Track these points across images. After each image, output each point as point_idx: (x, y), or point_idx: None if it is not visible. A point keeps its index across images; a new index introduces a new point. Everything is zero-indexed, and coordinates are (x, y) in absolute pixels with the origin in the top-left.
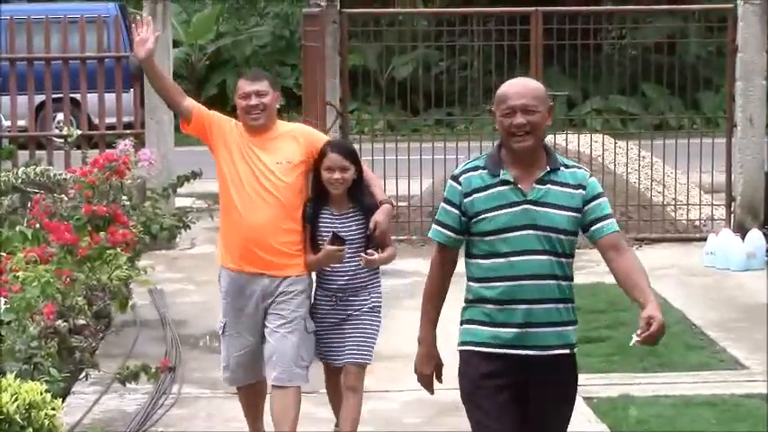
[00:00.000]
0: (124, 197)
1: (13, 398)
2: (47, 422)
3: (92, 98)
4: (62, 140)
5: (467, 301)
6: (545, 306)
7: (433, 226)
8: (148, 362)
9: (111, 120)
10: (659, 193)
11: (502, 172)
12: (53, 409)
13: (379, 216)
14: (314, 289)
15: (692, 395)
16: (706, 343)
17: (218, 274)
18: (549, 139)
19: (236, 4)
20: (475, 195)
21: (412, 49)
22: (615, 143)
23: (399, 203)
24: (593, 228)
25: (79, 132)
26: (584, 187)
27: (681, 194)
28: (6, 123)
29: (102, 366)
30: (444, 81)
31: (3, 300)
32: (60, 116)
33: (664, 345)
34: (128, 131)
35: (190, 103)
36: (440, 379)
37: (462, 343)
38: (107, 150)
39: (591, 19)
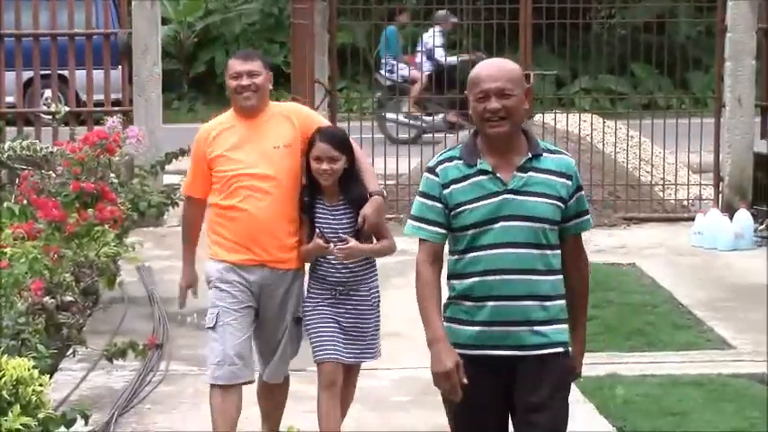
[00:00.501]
0: (112, 174)
1: (1, 374)
2: (34, 398)
3: (80, 75)
4: (50, 117)
5: (448, 298)
6: (529, 303)
7: (411, 222)
8: (136, 339)
9: (99, 96)
10: (647, 172)
11: (479, 161)
12: (41, 385)
13: (368, 209)
14: (306, 280)
15: (680, 374)
16: (693, 322)
17: (204, 269)
18: (537, 118)
19: None
20: (453, 187)
21: (402, 27)
22: (604, 123)
23: (387, 182)
24: (571, 222)
25: (67, 109)
26: (570, 177)
27: (669, 174)
28: None
29: (90, 343)
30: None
31: None
32: (48, 93)
33: (651, 324)
34: (116, 108)
35: (204, 203)
36: (462, 380)
37: None
38: (96, 127)
39: None
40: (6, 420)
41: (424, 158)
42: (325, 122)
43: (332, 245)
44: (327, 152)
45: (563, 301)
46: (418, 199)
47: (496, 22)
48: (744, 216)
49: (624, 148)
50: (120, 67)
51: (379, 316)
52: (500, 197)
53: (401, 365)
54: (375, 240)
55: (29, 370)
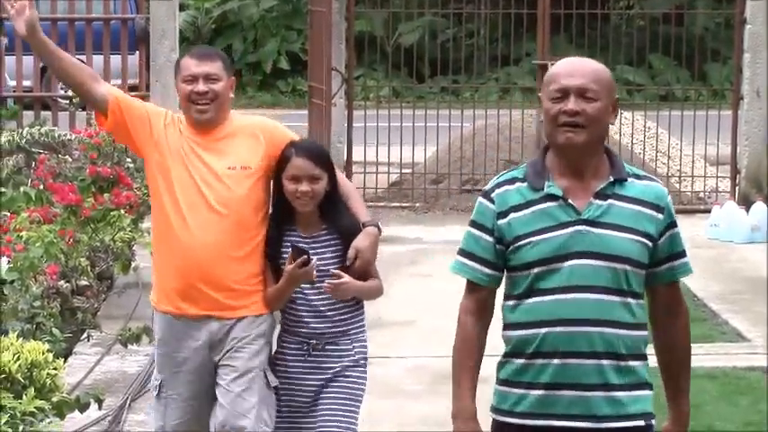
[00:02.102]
0: (128, 159)
1: (15, 357)
2: (48, 381)
3: (97, 60)
4: (67, 102)
5: (504, 354)
6: (606, 362)
7: (457, 257)
8: (150, 324)
9: (116, 81)
10: (664, 164)
11: (547, 184)
12: (55, 368)
13: (362, 242)
14: (277, 333)
15: (694, 367)
16: (708, 315)
17: (151, 317)
18: None
19: None
20: (512, 215)
21: (418, 15)
22: (621, 114)
23: (403, 170)
24: (662, 266)
25: None
26: (661, 209)
27: (686, 166)
28: (12, 84)
29: (104, 327)
30: (451, 49)
31: (6, 259)
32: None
33: None
34: (133, 93)
35: (106, 90)
36: None
37: (496, 410)
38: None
39: None
40: (21, 403)
41: (440, 147)
42: (292, 135)
43: (315, 259)
44: (307, 170)
45: (646, 363)
46: (468, 229)
47: (515, 12)
48: (760, 209)
49: (641, 140)
50: (137, 52)
51: (364, 383)
52: (572, 228)
53: (414, 354)
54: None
55: (43, 353)
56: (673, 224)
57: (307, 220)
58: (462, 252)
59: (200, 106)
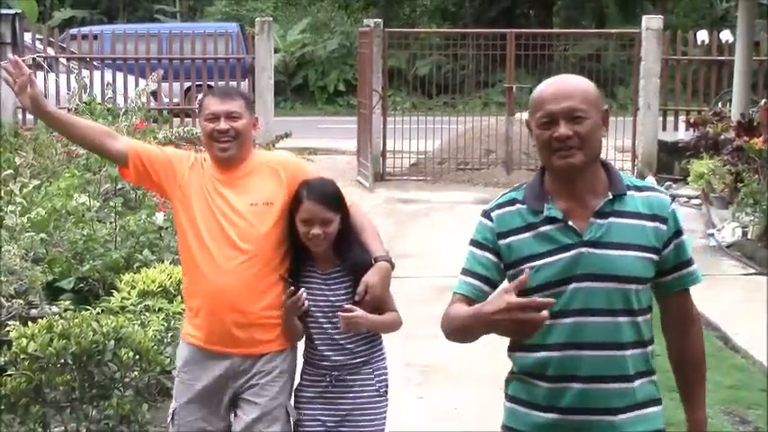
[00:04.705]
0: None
1: (168, 275)
2: None
3: (220, 85)
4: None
5: (511, 372)
6: (611, 385)
7: (460, 278)
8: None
9: None
10: None
11: (546, 206)
12: None
13: (373, 277)
14: (300, 365)
15: None
16: None
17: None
18: (517, 117)
19: (315, 25)
20: (512, 238)
21: (429, 55)
22: None
23: (419, 156)
24: (669, 276)
25: None
26: (664, 220)
27: (603, 154)
28: (166, 100)
29: None
30: (450, 77)
31: (162, 214)
32: (200, 96)
33: None
34: None
35: (125, 145)
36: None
37: (506, 428)
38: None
39: (546, 37)
40: (171, 306)
41: (443, 140)
42: (314, 173)
43: (302, 290)
44: (318, 213)
45: (654, 377)
46: (468, 249)
47: (492, 53)
48: (651, 181)
49: None
50: (246, 80)
51: (385, 411)
52: (574, 251)
53: (425, 275)
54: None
55: None
56: (678, 233)
57: (321, 257)
58: (465, 272)
59: (222, 144)
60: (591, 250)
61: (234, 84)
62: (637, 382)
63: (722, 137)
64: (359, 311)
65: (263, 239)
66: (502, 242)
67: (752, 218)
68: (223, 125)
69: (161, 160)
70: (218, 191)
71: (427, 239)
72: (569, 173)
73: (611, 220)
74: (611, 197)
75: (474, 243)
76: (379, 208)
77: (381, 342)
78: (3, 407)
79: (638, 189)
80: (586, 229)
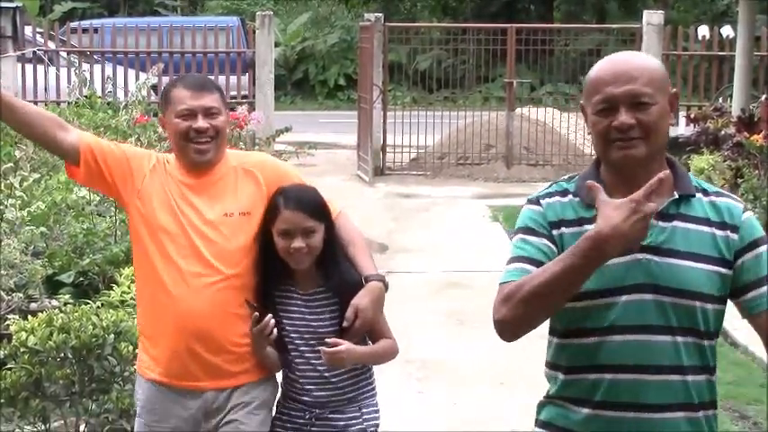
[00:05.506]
0: (241, 144)
1: None
2: None
3: (221, 79)
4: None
5: (546, 395)
6: (667, 415)
7: (506, 268)
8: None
9: (233, 93)
10: (589, 147)
11: None
12: None
13: (363, 299)
14: (277, 396)
15: None
16: None
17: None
18: (517, 112)
19: (316, 20)
20: (564, 230)
21: (430, 50)
22: (561, 114)
23: (419, 150)
24: (748, 294)
25: None
26: (735, 228)
27: None
28: None
29: None
30: (450, 72)
31: None
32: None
33: None
34: (244, 101)
35: (76, 138)
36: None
37: None
38: (230, 113)
39: (547, 32)
40: None
41: (443, 134)
42: (295, 176)
43: (269, 316)
44: (300, 223)
45: (716, 411)
46: (517, 237)
47: (492, 48)
48: None
49: (575, 131)
50: (246, 74)
51: None
52: (629, 257)
53: (424, 270)
54: (369, 342)
55: None
56: (754, 244)
57: (303, 276)
58: (518, 259)
59: (200, 146)
60: (650, 257)
61: (234, 78)
62: (701, 413)
63: (722, 132)
64: (344, 345)
65: (240, 255)
66: (555, 232)
67: (752, 213)
68: (202, 123)
69: (116, 157)
70: (188, 199)
71: (427, 234)
72: (629, 167)
73: (676, 223)
74: (677, 197)
75: (526, 230)
76: (379, 202)
77: (372, 376)
78: (2, 400)
79: (707, 193)
80: (648, 232)
